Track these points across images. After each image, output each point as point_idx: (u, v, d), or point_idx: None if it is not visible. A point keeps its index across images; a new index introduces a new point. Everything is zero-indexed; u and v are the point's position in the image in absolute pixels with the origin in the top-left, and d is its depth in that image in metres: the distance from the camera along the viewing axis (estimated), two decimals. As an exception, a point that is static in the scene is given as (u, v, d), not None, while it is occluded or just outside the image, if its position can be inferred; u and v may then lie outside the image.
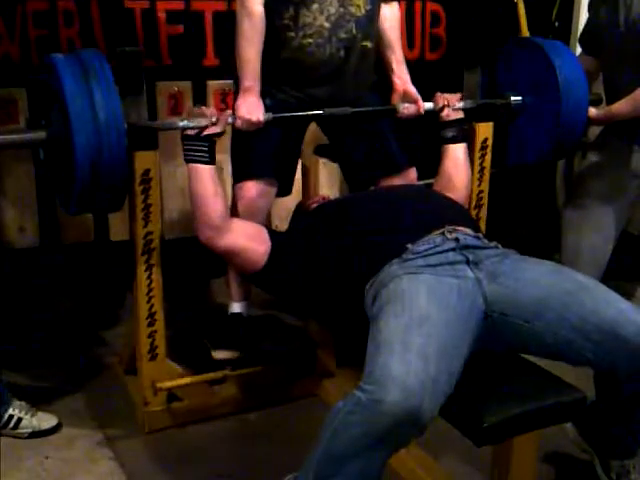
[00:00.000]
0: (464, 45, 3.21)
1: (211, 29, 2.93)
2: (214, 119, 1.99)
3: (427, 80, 2.45)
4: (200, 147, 2.00)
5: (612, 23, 2.44)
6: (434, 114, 2.31)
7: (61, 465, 2.14)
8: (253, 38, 2.12)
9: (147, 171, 2.07)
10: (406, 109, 2.29)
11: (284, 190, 2.37)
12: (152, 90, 2.81)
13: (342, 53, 2.21)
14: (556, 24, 3.45)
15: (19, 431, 2.21)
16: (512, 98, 2.39)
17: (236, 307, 2.57)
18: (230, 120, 2.08)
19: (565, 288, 1.71)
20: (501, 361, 1.77)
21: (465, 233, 1.84)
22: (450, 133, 2.29)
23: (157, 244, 2.15)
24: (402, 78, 2.33)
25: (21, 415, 2.22)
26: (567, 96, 2.28)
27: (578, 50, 3.24)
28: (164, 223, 2.98)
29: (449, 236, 1.80)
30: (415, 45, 3.22)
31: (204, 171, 2.00)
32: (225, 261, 2.17)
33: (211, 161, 2.01)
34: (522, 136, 2.43)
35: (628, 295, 3.07)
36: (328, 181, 2.66)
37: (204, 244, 2.02)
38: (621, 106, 2.43)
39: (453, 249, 1.77)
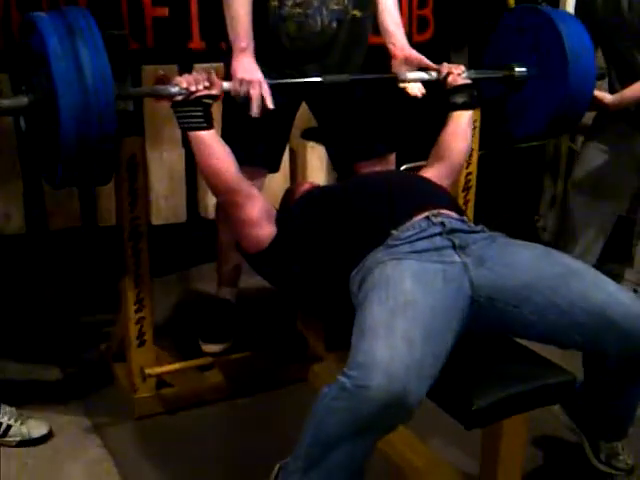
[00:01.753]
0: (451, 26, 3.21)
1: (197, 11, 2.90)
2: (207, 83, 1.90)
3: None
4: (194, 112, 1.89)
5: (615, 14, 2.44)
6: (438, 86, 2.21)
7: (49, 452, 2.13)
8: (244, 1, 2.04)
9: (133, 156, 2.05)
10: (415, 88, 2.20)
11: (272, 168, 2.36)
12: (137, 73, 2.79)
13: (334, 25, 2.17)
14: (543, 4, 3.43)
15: (7, 439, 2.13)
16: (517, 69, 2.32)
17: (224, 292, 2.57)
18: (227, 86, 1.99)
19: (553, 272, 1.70)
20: (489, 343, 1.77)
21: (450, 216, 1.82)
22: (461, 99, 2.18)
23: (144, 229, 2.14)
24: (401, 43, 2.26)
25: (10, 422, 2.13)
26: (575, 66, 2.20)
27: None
28: (151, 209, 2.97)
29: (434, 220, 1.78)
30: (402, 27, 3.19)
31: (205, 137, 1.90)
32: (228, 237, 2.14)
33: (209, 125, 1.90)
34: (526, 108, 2.36)
35: (617, 277, 3.08)
36: (316, 164, 2.65)
37: (227, 208, 1.97)
38: (633, 91, 2.43)
39: (439, 233, 1.75)
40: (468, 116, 2.19)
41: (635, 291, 3.11)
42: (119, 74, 2.02)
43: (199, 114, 1.88)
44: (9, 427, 2.13)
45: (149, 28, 2.83)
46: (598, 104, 2.47)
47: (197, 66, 2.89)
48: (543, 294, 1.66)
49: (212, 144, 1.90)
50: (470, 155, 2.46)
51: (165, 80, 1.93)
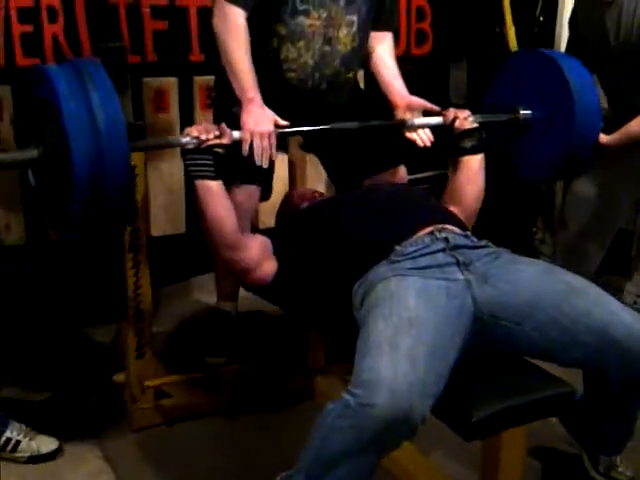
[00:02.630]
0: (450, 39, 3.23)
1: (196, 24, 2.91)
2: (217, 132, 1.87)
3: (413, 76, 2.44)
4: (204, 160, 1.85)
5: (601, 38, 2.46)
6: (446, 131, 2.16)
7: (50, 465, 2.13)
8: (242, 47, 2.00)
9: (133, 168, 2.06)
10: (423, 136, 2.15)
11: (264, 195, 2.35)
12: (138, 86, 2.79)
13: (324, 86, 2.18)
14: (541, 18, 3.46)
15: (17, 455, 2.13)
16: (521, 112, 2.26)
17: (224, 306, 2.56)
18: (237, 136, 1.94)
19: (556, 289, 1.69)
20: (488, 355, 1.76)
21: (454, 232, 1.82)
22: (470, 143, 2.12)
23: (144, 241, 2.15)
24: (401, 93, 2.22)
25: (19, 438, 2.13)
26: (580, 106, 2.15)
27: (564, 40, 3.28)
28: (150, 220, 2.98)
29: (438, 235, 1.78)
30: (400, 41, 3.20)
31: (212, 187, 1.86)
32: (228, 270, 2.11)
33: (218, 175, 1.87)
34: (532, 152, 2.31)
35: (618, 289, 3.09)
36: (315, 176, 2.65)
37: (225, 263, 1.96)
38: (634, 127, 2.35)
39: (443, 249, 1.75)
40: (479, 160, 2.14)
41: (635, 303, 3.12)
42: (118, 86, 2.04)
43: (209, 162, 1.86)
44: (18, 443, 2.13)
45: (149, 41, 2.84)
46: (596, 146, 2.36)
47: (197, 78, 2.92)
48: (546, 311, 1.65)
49: (218, 194, 1.88)
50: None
51: (198, 126, 1.87)
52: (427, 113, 2.19)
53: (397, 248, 1.75)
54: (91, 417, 2.34)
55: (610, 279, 2.39)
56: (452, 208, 2.07)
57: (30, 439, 2.14)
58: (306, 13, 2.07)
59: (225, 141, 1.88)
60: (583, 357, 1.64)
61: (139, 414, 2.27)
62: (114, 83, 1.95)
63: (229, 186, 2.14)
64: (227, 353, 2.45)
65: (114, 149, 1.61)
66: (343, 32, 2.13)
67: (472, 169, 2.12)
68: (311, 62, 2.13)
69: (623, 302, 1.71)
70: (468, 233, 1.87)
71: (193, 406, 2.35)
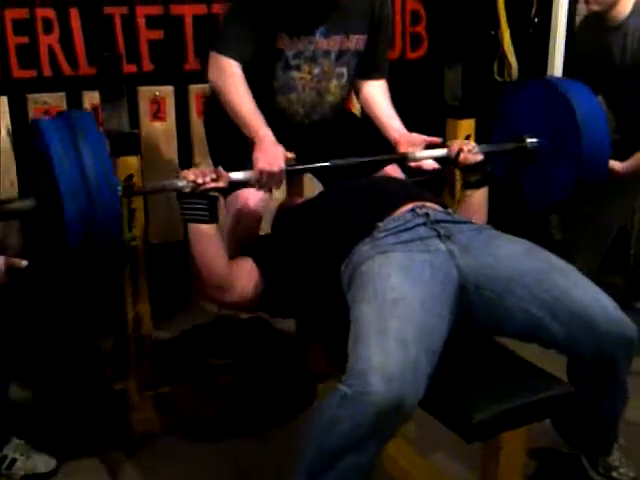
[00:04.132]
0: (445, 42, 3.23)
1: (191, 33, 2.92)
2: (213, 175, 1.86)
3: (409, 80, 2.44)
4: (199, 205, 1.85)
5: (607, 62, 2.46)
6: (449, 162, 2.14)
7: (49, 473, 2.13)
8: (243, 91, 2.01)
9: (130, 176, 2.06)
10: (428, 165, 2.12)
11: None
12: (134, 95, 2.80)
13: (313, 127, 2.23)
14: (535, 20, 3.46)
15: (12, 472, 2.11)
16: (528, 140, 2.23)
17: (228, 311, 2.57)
18: (237, 177, 1.92)
19: (538, 267, 1.73)
20: (487, 354, 1.78)
21: (435, 209, 1.86)
22: (474, 177, 2.10)
23: (142, 249, 2.15)
24: (400, 131, 2.20)
25: (15, 456, 2.11)
26: (587, 129, 2.13)
27: (560, 47, 3.29)
28: (149, 228, 2.98)
29: (419, 211, 1.82)
30: (395, 45, 3.21)
31: (205, 232, 1.87)
32: None
33: (212, 219, 1.87)
34: (541, 180, 2.28)
35: (612, 287, 3.07)
36: (312, 182, 2.65)
37: (211, 302, 1.99)
38: None
39: (424, 224, 1.78)
40: (483, 193, 2.12)
41: (634, 303, 3.11)
42: (114, 96, 2.05)
43: (204, 207, 1.86)
44: (14, 460, 2.12)
45: (144, 50, 2.85)
46: (611, 175, 2.33)
47: (192, 87, 2.92)
48: (527, 287, 1.68)
49: (211, 239, 1.88)
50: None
51: (194, 170, 1.89)
52: (430, 147, 2.15)
53: (379, 224, 1.78)
54: (91, 425, 2.33)
55: (607, 278, 2.39)
56: None
57: (27, 457, 2.12)
58: (298, 68, 2.12)
59: (222, 185, 1.87)
60: (562, 336, 1.65)
61: (139, 423, 2.27)
62: (110, 92, 1.98)
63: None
64: (232, 354, 2.45)
65: (105, 206, 1.67)
66: (333, 83, 2.19)
67: (476, 202, 2.11)
68: (301, 111, 2.19)
69: (620, 302, 1.71)
70: (449, 210, 1.91)
71: (194, 414, 2.34)
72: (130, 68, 2.81)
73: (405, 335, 1.51)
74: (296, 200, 2.27)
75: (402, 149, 2.14)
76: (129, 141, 2.05)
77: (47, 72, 2.74)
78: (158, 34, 2.88)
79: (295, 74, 2.12)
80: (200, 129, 2.54)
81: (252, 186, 1.97)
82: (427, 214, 1.81)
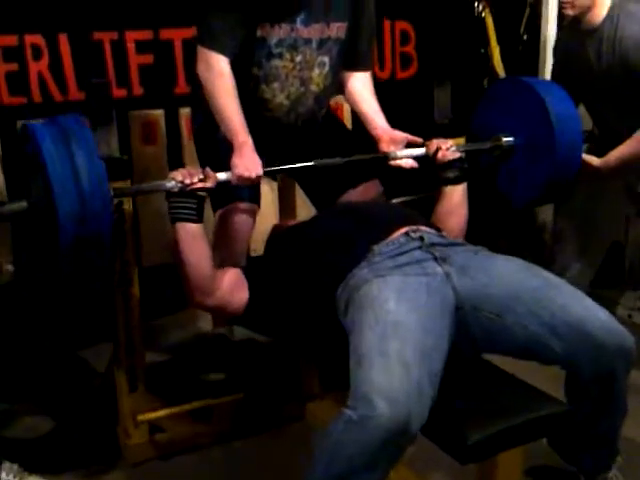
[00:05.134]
0: (434, 61, 3.25)
1: (181, 57, 2.94)
2: (201, 176, 1.88)
3: (399, 99, 2.45)
4: (187, 204, 1.87)
5: (584, 66, 2.48)
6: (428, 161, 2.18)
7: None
8: (230, 94, 2.04)
9: (120, 202, 2.05)
10: (408, 163, 2.18)
11: (257, 201, 2.36)
12: (125, 120, 2.81)
13: (299, 123, 2.24)
14: (524, 37, 3.48)
15: None
16: (504, 139, 2.29)
17: (221, 330, 2.55)
18: (224, 177, 1.97)
19: (535, 284, 1.74)
20: (480, 375, 1.77)
21: (428, 232, 1.87)
22: (452, 174, 2.14)
23: (134, 274, 2.14)
24: (383, 127, 2.24)
25: (9, 478, 2.09)
26: (561, 132, 2.18)
27: (549, 63, 3.30)
28: (142, 250, 2.97)
29: (413, 235, 1.82)
30: (385, 65, 3.23)
31: (192, 230, 1.87)
32: None
33: (199, 219, 1.89)
34: (516, 178, 2.35)
35: (612, 302, 3.08)
36: (304, 202, 2.65)
37: (192, 302, 1.96)
38: (630, 149, 2.40)
39: (419, 247, 1.79)
40: (461, 190, 2.16)
41: (630, 316, 3.11)
42: (103, 121, 2.05)
43: (192, 206, 1.87)
44: None
45: (134, 75, 2.86)
46: (587, 169, 2.38)
47: (183, 110, 2.92)
48: (525, 304, 1.69)
49: (197, 238, 1.89)
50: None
51: (183, 170, 1.91)
52: (410, 145, 2.21)
53: (374, 248, 1.79)
54: (85, 452, 2.31)
55: (602, 293, 2.39)
56: None
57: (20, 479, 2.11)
58: (280, 56, 2.13)
59: (209, 185, 1.90)
60: (561, 351, 1.66)
61: (133, 449, 2.25)
62: (100, 118, 1.98)
63: (228, 205, 2.15)
64: (225, 370, 2.43)
65: (97, 208, 1.68)
66: (316, 72, 2.19)
67: (455, 199, 2.15)
68: (286, 102, 2.20)
69: (616, 315, 1.71)
70: (444, 233, 1.92)
71: (188, 439, 2.33)
72: (120, 92, 2.82)
73: (407, 357, 1.51)
74: (290, 222, 2.27)
75: (384, 147, 2.20)
76: (118, 166, 2.04)
77: (37, 98, 2.75)
78: (148, 58, 2.89)
79: (278, 62, 2.13)
80: (191, 151, 2.54)
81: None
82: (422, 237, 1.82)
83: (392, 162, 2.19)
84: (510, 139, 2.29)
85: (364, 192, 2.35)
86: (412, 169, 2.18)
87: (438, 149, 2.15)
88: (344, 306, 1.74)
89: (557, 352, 1.66)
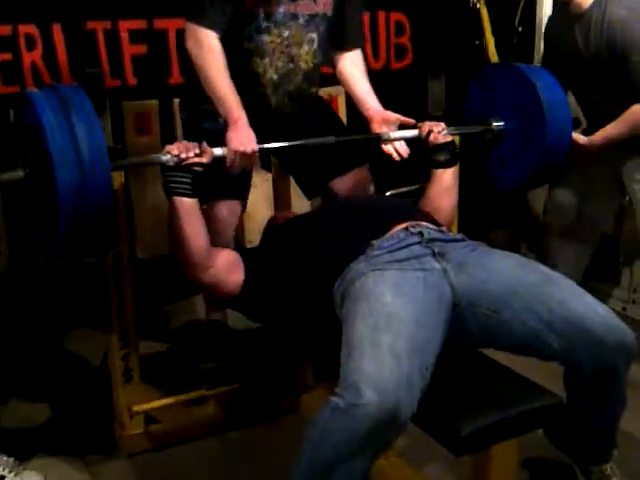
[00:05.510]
0: (429, 53, 3.24)
1: (175, 47, 2.92)
2: (197, 151, 1.89)
3: (393, 89, 2.45)
4: (182, 178, 1.87)
5: (572, 50, 2.49)
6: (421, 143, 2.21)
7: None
8: (221, 70, 2.04)
9: (114, 192, 2.04)
10: (400, 148, 2.20)
11: (244, 199, 2.36)
12: (118, 110, 2.79)
13: (287, 101, 2.24)
14: (519, 29, 3.48)
15: None
16: (494, 123, 2.33)
17: (214, 316, 2.55)
18: (220, 153, 1.97)
19: (533, 280, 1.73)
20: (474, 367, 1.77)
21: (428, 227, 1.87)
22: (443, 157, 2.18)
23: (127, 265, 2.13)
24: (375, 108, 2.26)
25: (4, 473, 2.10)
26: (551, 118, 2.21)
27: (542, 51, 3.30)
28: (137, 242, 2.97)
29: (413, 230, 1.83)
30: (380, 55, 3.22)
31: (188, 205, 1.88)
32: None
33: (195, 193, 1.90)
34: (506, 162, 2.37)
35: (605, 295, 3.09)
36: (299, 193, 2.65)
37: (187, 277, 1.96)
38: (617, 128, 2.45)
39: (418, 242, 1.79)
40: (452, 172, 2.20)
41: (624, 309, 3.12)
42: (97, 112, 2.04)
43: (187, 180, 1.88)
44: (2, 478, 2.10)
45: (128, 65, 2.85)
46: (575, 148, 2.44)
47: (177, 101, 2.91)
48: (522, 300, 1.68)
49: (192, 212, 1.89)
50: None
51: (179, 144, 1.91)
52: (402, 127, 2.22)
53: (374, 243, 1.79)
54: (80, 443, 2.31)
55: (596, 286, 2.40)
56: None
57: (15, 474, 2.10)
58: (268, 31, 2.12)
59: (205, 160, 1.90)
60: (560, 347, 1.65)
61: (129, 440, 2.25)
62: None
63: (212, 201, 2.16)
64: (219, 358, 2.43)
65: (97, 176, 1.65)
66: (304, 49, 2.19)
67: (446, 182, 2.18)
68: (275, 77, 2.19)
69: (610, 309, 1.71)
70: (443, 229, 1.92)
71: (183, 430, 2.33)
72: (114, 83, 2.80)
73: (398, 349, 1.51)
74: (287, 215, 2.26)
75: (376, 128, 2.22)
76: (112, 156, 2.03)
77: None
78: (142, 48, 2.88)
79: (266, 38, 2.13)
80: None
81: (229, 169, 1.99)
82: (421, 233, 1.82)
83: (384, 146, 2.21)
84: (501, 124, 2.33)
85: (353, 178, 2.37)
86: (402, 159, 2.20)
87: (430, 132, 2.17)
88: (340, 299, 1.75)
89: (555, 348, 1.66)
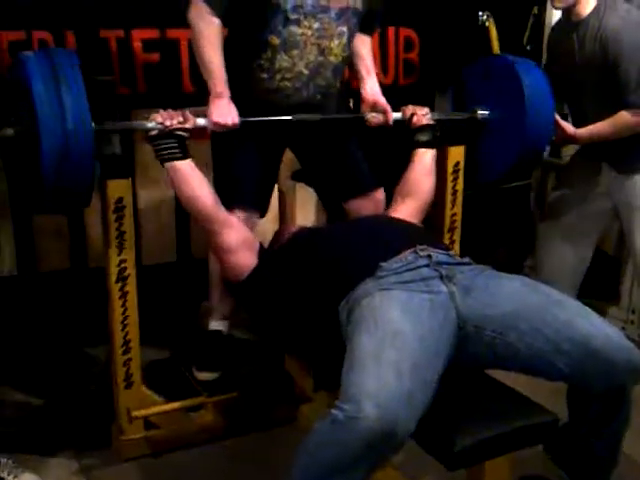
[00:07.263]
0: (437, 69, 3.26)
1: (187, 56, 2.94)
2: (180, 118, 2.01)
3: (400, 105, 2.47)
4: (170, 144, 2.01)
5: (568, 57, 2.53)
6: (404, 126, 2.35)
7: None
8: (216, 42, 2.11)
9: (120, 199, 2.07)
10: (374, 118, 2.33)
11: (262, 209, 2.40)
12: (128, 118, 2.81)
13: (319, 97, 2.27)
14: (528, 48, 3.50)
15: None
16: (479, 112, 2.42)
17: (216, 325, 2.56)
18: (203, 123, 2.09)
19: (538, 301, 1.74)
20: (470, 382, 1.79)
21: (437, 251, 1.88)
22: (424, 137, 2.32)
23: (132, 272, 2.15)
24: (372, 89, 2.36)
25: (3, 475, 2.12)
26: (533, 110, 2.30)
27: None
28: (142, 249, 2.99)
29: (421, 254, 1.84)
30: (389, 71, 3.24)
31: (181, 167, 2.01)
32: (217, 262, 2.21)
33: (184, 155, 2.02)
34: (490, 153, 2.46)
35: (602, 314, 3.08)
36: (305, 206, 2.68)
37: (208, 237, 2.08)
38: (603, 127, 2.52)
39: (426, 265, 1.81)
40: (432, 154, 2.32)
41: (623, 329, 3.12)
42: (108, 118, 2.07)
43: (174, 145, 2.00)
44: None
45: (140, 73, 2.87)
46: (563, 134, 2.58)
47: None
48: (528, 322, 1.69)
49: (187, 173, 2.01)
50: (455, 196, 2.51)
51: (163, 113, 2.05)
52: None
53: (382, 264, 1.81)
54: (78, 446, 2.33)
55: (595, 304, 2.41)
56: (406, 200, 2.24)
57: (15, 477, 2.11)
58: (297, 22, 2.14)
59: (188, 126, 2.02)
60: (567, 369, 1.65)
61: (127, 445, 2.26)
62: (104, 116, 2.00)
63: (229, 209, 2.19)
64: (220, 369, 2.45)
65: (80, 142, 1.81)
66: (335, 43, 2.21)
67: (425, 162, 2.31)
68: (306, 72, 2.21)
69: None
70: (451, 252, 1.94)
71: (182, 436, 2.34)
72: (125, 91, 2.83)
73: (401, 367, 1.52)
74: (291, 228, 2.29)
75: (365, 108, 2.36)
76: (120, 164, 2.07)
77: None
78: (154, 57, 2.90)
79: (296, 29, 2.14)
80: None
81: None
82: (429, 256, 1.84)
83: (368, 123, 2.33)
84: (485, 112, 2.41)
85: (369, 200, 2.45)
86: (377, 126, 2.32)
87: (413, 114, 2.30)
88: (346, 316, 1.76)
89: (563, 369, 1.66)
